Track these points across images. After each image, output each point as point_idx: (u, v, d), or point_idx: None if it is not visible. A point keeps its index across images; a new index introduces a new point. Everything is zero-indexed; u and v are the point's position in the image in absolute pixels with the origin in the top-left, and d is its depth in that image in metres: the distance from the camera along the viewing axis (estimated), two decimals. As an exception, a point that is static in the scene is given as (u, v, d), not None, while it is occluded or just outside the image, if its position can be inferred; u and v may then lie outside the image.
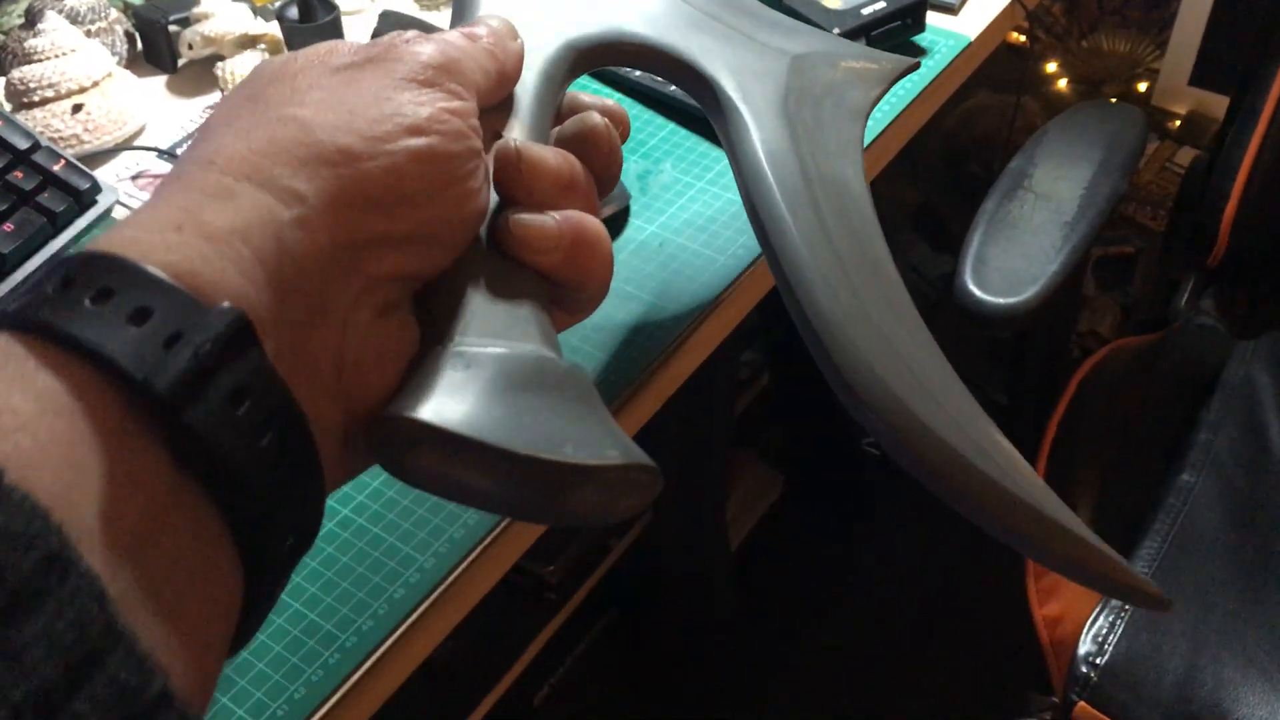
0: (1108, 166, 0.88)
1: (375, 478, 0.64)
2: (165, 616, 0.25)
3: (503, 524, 0.62)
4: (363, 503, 0.63)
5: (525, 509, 0.31)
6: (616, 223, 0.77)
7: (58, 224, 0.71)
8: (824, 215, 0.42)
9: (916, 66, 0.60)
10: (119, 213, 0.78)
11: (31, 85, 0.82)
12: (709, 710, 1.35)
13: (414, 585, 0.59)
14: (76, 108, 0.82)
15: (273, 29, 0.90)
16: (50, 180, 0.71)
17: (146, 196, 0.74)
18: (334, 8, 0.89)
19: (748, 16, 0.51)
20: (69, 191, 0.71)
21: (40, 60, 0.83)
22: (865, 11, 0.85)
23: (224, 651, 0.28)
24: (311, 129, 0.31)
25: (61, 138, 0.81)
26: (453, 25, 0.42)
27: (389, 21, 0.94)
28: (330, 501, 0.63)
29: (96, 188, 0.73)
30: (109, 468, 0.24)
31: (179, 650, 0.25)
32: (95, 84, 0.83)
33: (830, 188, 0.44)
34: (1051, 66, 1.87)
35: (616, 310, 0.72)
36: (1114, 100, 1.79)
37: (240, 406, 0.27)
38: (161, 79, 0.93)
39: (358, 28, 0.96)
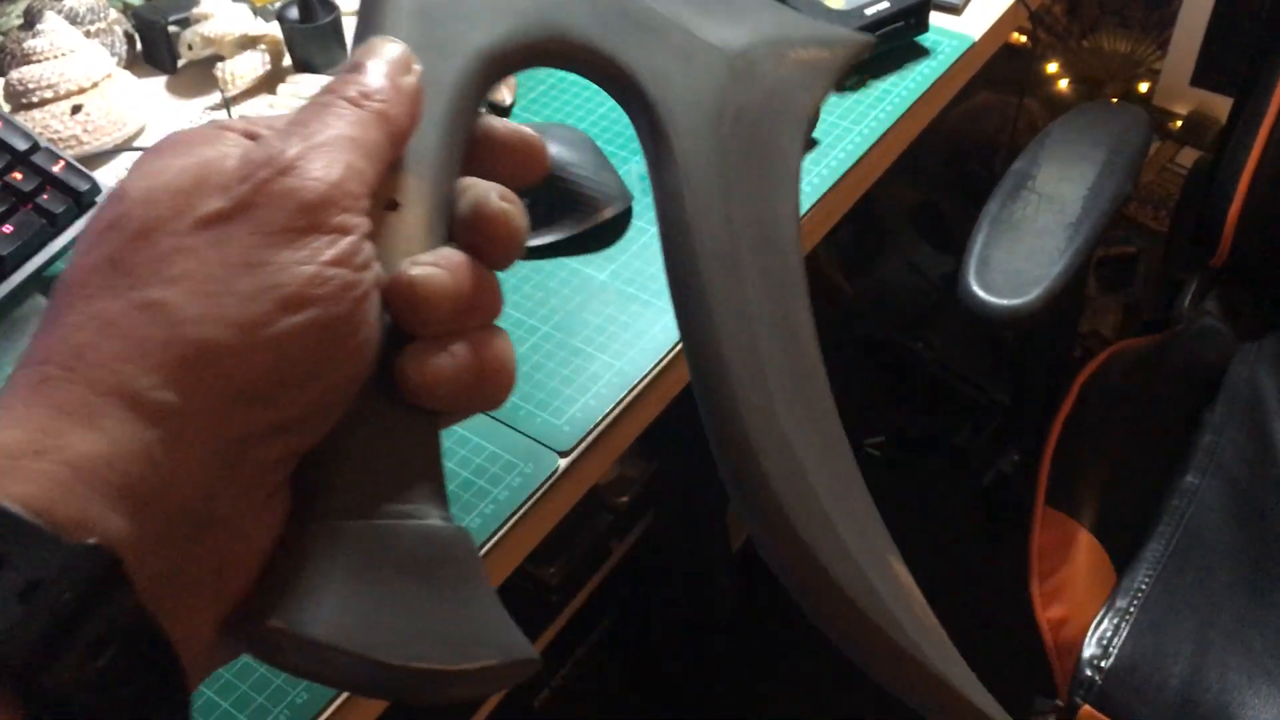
0: (1112, 168, 0.88)
1: (377, 481, 0.63)
2: None
3: (506, 527, 0.61)
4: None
5: (401, 696, 0.29)
6: (618, 224, 0.77)
7: (57, 225, 0.70)
8: (746, 281, 0.37)
9: (870, 46, 0.55)
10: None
11: (31, 86, 0.81)
12: (709, 712, 1.34)
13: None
14: (76, 108, 0.82)
15: (273, 29, 0.89)
16: (50, 181, 0.71)
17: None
18: (334, 8, 0.89)
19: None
20: (68, 193, 0.71)
21: (39, 61, 0.82)
22: (869, 12, 0.85)
23: None
24: (177, 323, 0.27)
25: (61, 139, 0.81)
26: (355, 37, 0.37)
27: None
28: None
29: (96, 189, 0.72)
30: None
31: None
32: (95, 85, 0.83)
33: (758, 238, 0.39)
34: (1052, 67, 1.86)
35: (619, 312, 0.71)
36: (1115, 101, 1.79)
37: (101, 657, 0.25)
38: (161, 80, 0.92)
39: (358, 28, 0.95)
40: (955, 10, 0.92)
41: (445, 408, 0.31)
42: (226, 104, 0.87)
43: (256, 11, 0.91)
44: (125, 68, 0.90)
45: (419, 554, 0.29)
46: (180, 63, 0.92)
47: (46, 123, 0.81)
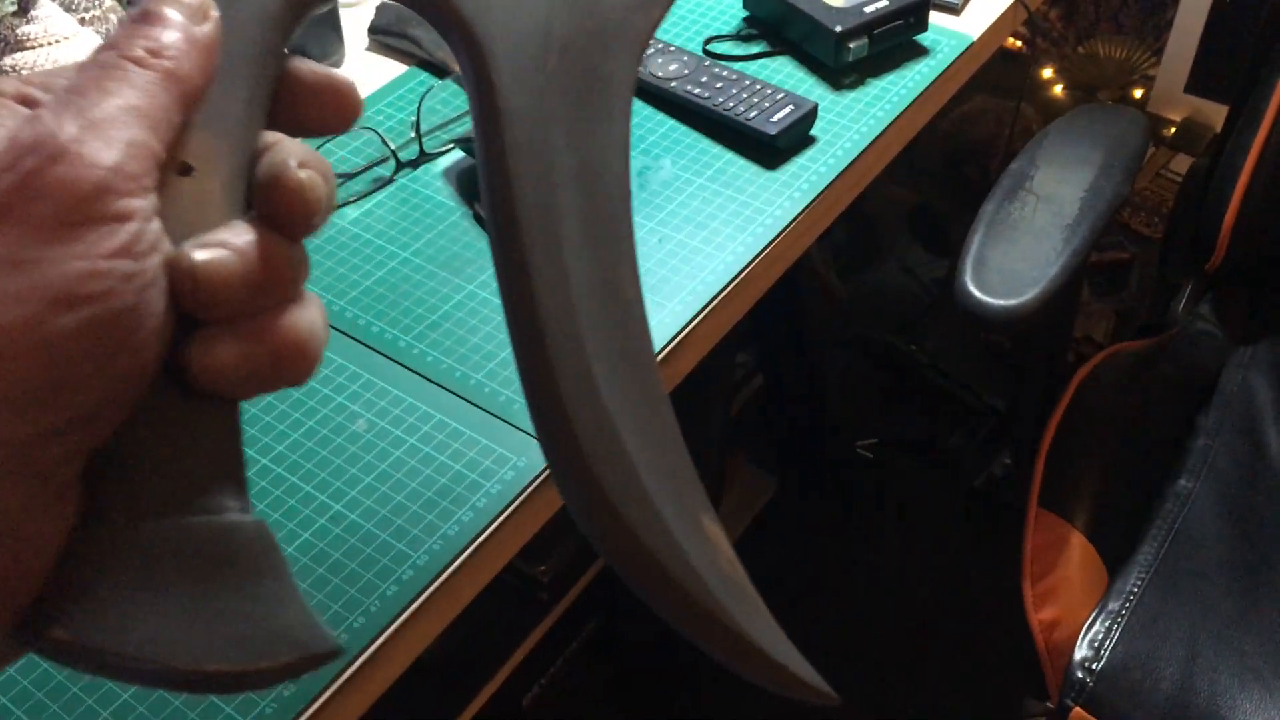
0: (1109, 169, 0.88)
1: (369, 473, 0.63)
2: None
3: (497, 523, 0.61)
4: (355, 498, 0.62)
5: (198, 693, 0.29)
6: (615, 218, 0.77)
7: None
8: (567, 235, 0.35)
9: None
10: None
11: (24, 72, 0.81)
12: (699, 713, 1.34)
13: (408, 582, 0.58)
14: (69, 95, 0.81)
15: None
16: None
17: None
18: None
19: None
20: None
21: (33, 47, 0.81)
22: (868, 10, 0.85)
23: None
24: None
25: (53, 126, 0.80)
26: None
27: (387, 13, 0.93)
28: (322, 497, 0.62)
29: None
30: None
31: None
32: (88, 72, 0.82)
33: (583, 185, 0.36)
34: (1047, 72, 1.87)
35: (615, 306, 0.71)
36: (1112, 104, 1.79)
37: None
38: (156, 68, 0.91)
39: (356, 19, 0.95)
40: (954, 10, 0.91)
41: (240, 394, 0.29)
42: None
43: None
44: (119, 56, 0.89)
45: (212, 551, 0.28)
46: (175, 52, 0.91)
47: (39, 109, 0.80)
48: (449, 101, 0.86)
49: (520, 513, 0.62)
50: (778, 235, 0.75)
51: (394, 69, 0.91)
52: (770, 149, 0.80)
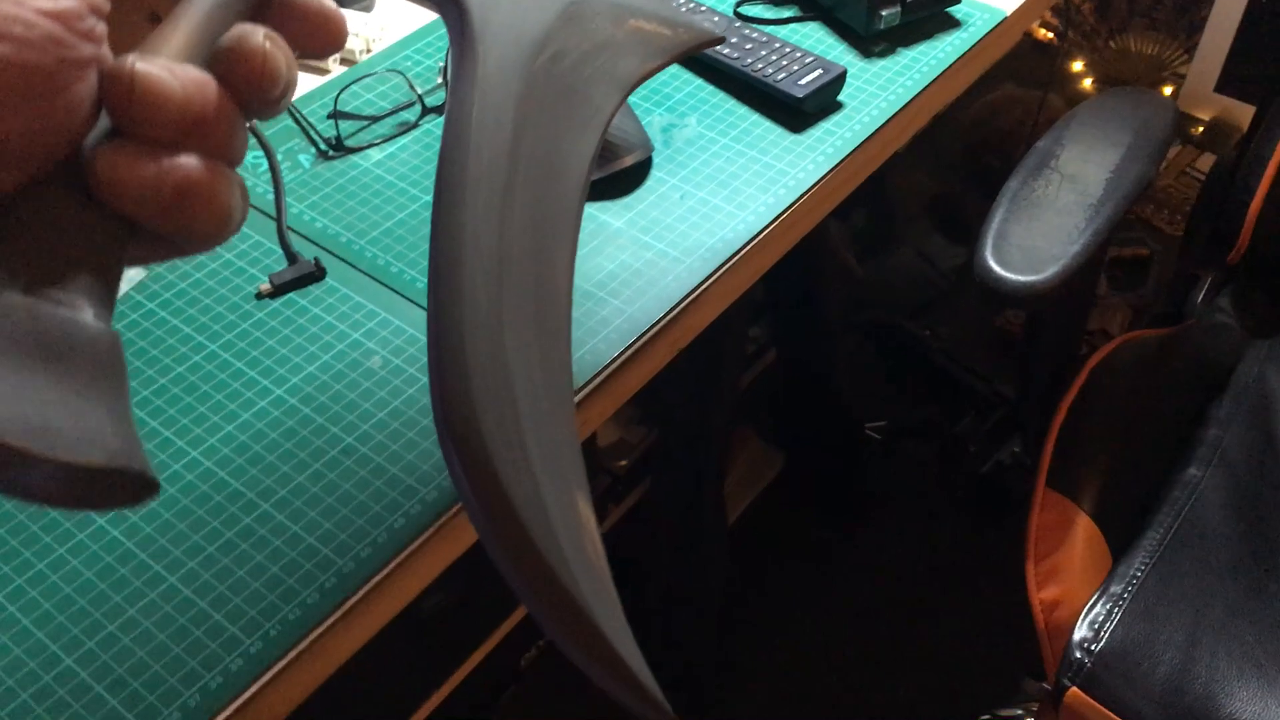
0: (1136, 152, 0.87)
1: (382, 409, 0.63)
2: None
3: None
4: (367, 432, 0.62)
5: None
6: (638, 172, 0.77)
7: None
8: (513, 206, 0.36)
9: (719, 40, 0.55)
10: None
11: None
12: (694, 682, 1.34)
13: (414, 517, 0.59)
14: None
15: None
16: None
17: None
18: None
19: None
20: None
21: None
22: (902, -22, 0.84)
23: None
24: None
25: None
26: None
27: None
28: (335, 429, 0.62)
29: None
30: None
31: None
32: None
33: (540, 174, 0.37)
34: (1078, 65, 1.85)
35: (633, 259, 0.71)
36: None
37: None
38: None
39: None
40: (988, -15, 0.91)
41: (133, 215, 0.29)
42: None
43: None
44: None
45: (51, 339, 0.28)
46: None
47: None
48: (477, 51, 0.86)
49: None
50: (799, 198, 0.75)
51: (425, 15, 0.91)
52: (796, 112, 0.80)
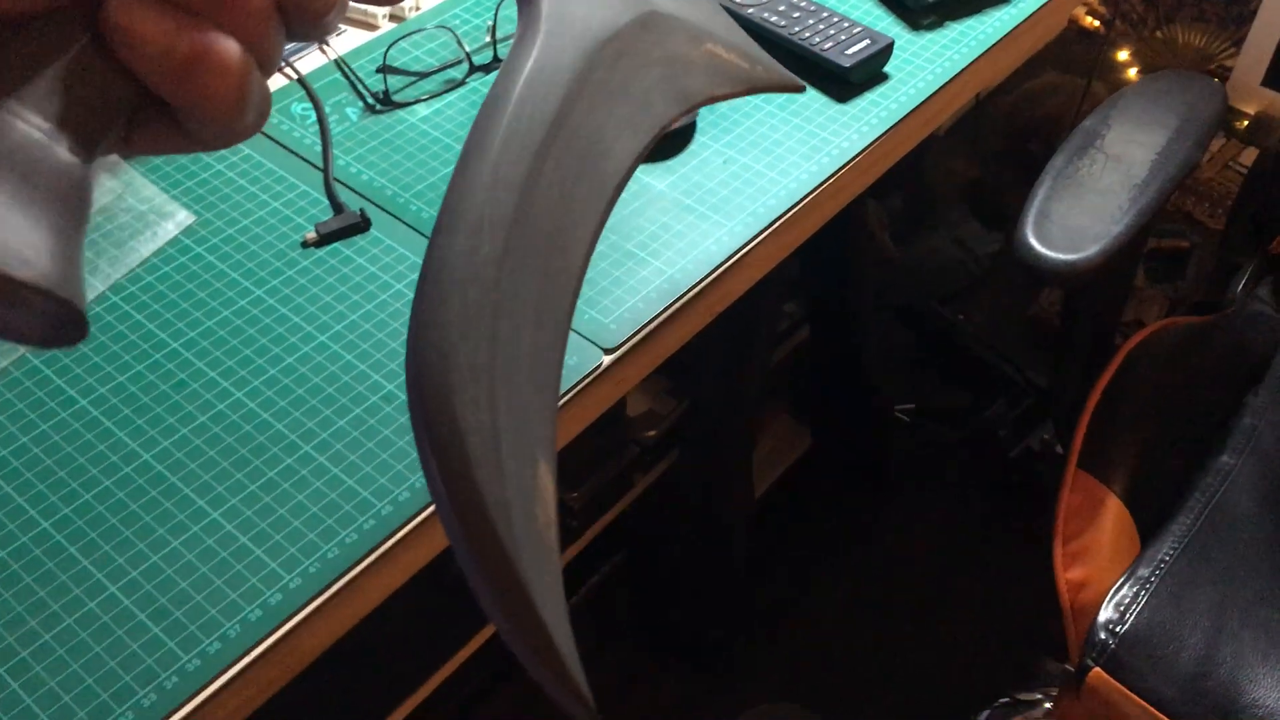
0: (1183, 134, 0.87)
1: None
2: None
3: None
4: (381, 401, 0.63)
5: None
6: (682, 136, 0.77)
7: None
8: (545, 168, 0.35)
9: (799, 88, 0.56)
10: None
11: None
12: (715, 651, 1.35)
13: (453, 463, 0.59)
14: None
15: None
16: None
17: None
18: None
19: None
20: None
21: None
22: (953, -48, 0.84)
23: None
24: None
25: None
26: None
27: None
28: (376, 376, 0.63)
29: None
30: None
31: None
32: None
33: (577, 153, 0.36)
34: (1123, 55, 1.84)
35: (675, 221, 0.71)
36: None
37: None
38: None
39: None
40: (1039, -37, 0.90)
41: (141, 70, 0.28)
42: None
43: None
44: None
45: (12, 155, 0.27)
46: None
47: None
48: (526, 12, 0.86)
49: (566, 412, 0.63)
50: (842, 167, 0.75)
51: (473, -23, 0.91)
52: (842, 81, 0.80)
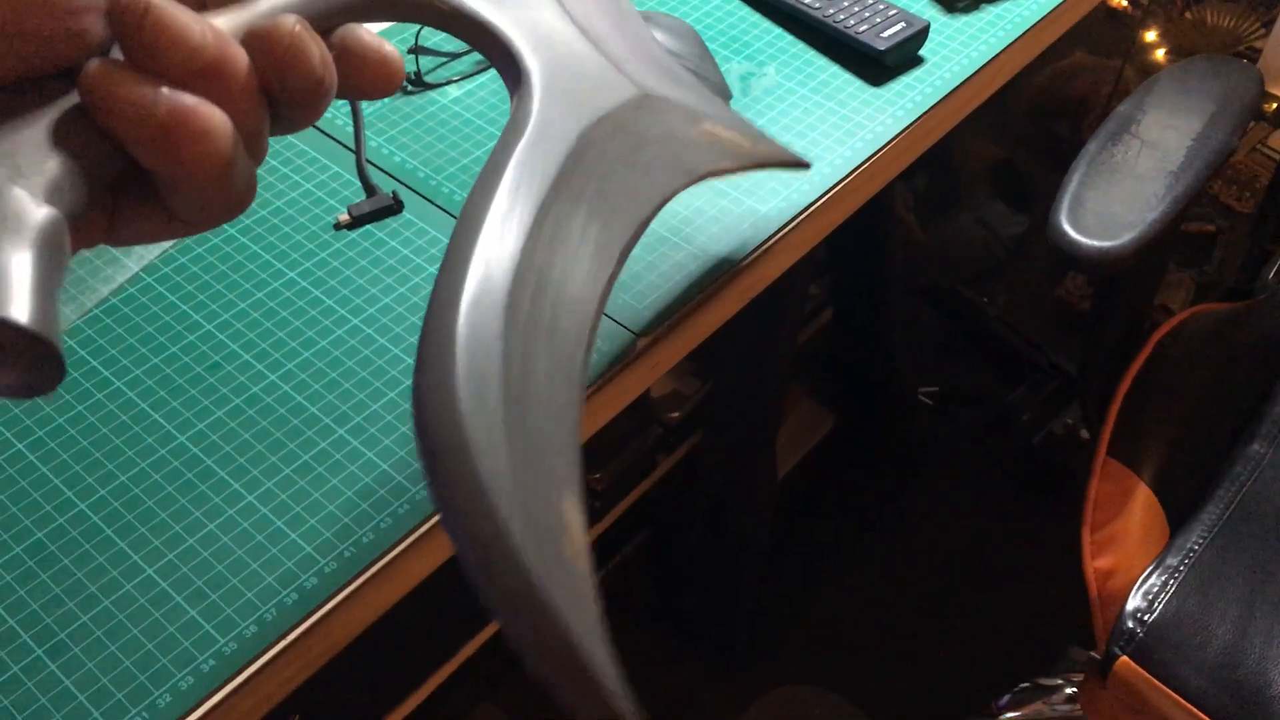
0: (1219, 120, 0.86)
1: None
2: None
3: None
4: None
5: None
6: (716, 120, 0.76)
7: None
8: (543, 230, 0.34)
9: (804, 165, 0.55)
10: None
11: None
12: (733, 634, 1.35)
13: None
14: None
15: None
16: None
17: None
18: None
19: (627, 42, 0.42)
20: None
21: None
22: (990, -66, 0.83)
23: None
24: None
25: None
26: None
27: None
28: (409, 360, 0.63)
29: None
30: None
31: None
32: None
33: (584, 209, 0.36)
34: (1151, 35, 1.82)
35: (708, 205, 0.71)
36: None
37: None
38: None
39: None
40: (1076, -55, 0.89)
41: (120, 134, 0.28)
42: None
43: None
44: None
45: None
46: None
47: None
48: (556, -8, 0.86)
49: (599, 396, 0.63)
50: (877, 152, 0.74)
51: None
52: (877, 65, 0.79)
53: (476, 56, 0.81)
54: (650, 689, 1.30)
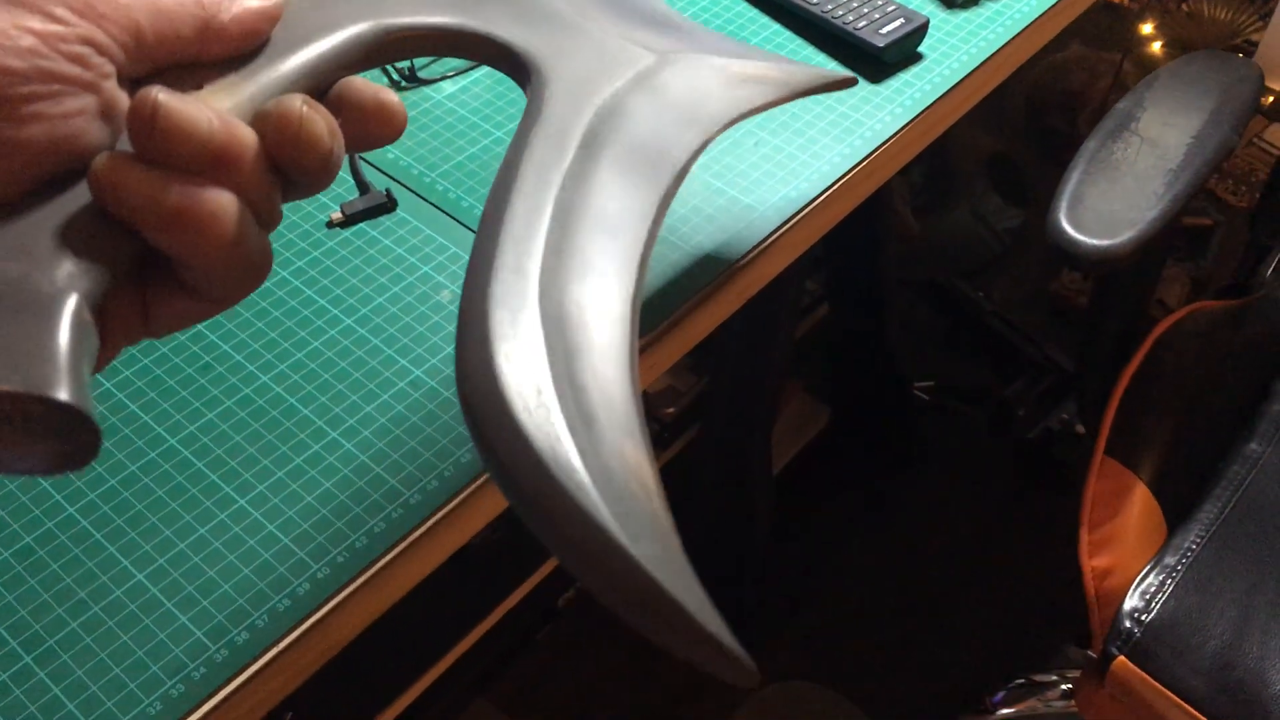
0: (1219, 118, 0.85)
1: (450, 343, 0.63)
2: None
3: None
4: (436, 365, 0.62)
5: None
6: (713, 117, 0.75)
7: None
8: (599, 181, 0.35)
9: (850, 84, 0.53)
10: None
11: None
12: (735, 628, 1.35)
13: (465, 465, 0.59)
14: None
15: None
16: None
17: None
18: None
19: (625, 16, 0.43)
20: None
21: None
22: (990, -72, 0.82)
23: None
24: None
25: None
26: None
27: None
28: (404, 361, 0.62)
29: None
30: None
31: None
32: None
33: (630, 156, 0.36)
34: (1147, 28, 1.81)
35: (705, 204, 0.70)
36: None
37: None
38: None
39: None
40: (1076, -61, 0.88)
41: (131, 222, 0.29)
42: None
43: None
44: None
45: (19, 297, 0.28)
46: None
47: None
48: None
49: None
50: (876, 149, 0.74)
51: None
52: (876, 62, 0.78)
53: (471, 51, 0.80)
54: (647, 684, 1.30)
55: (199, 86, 0.32)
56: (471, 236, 0.69)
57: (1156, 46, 1.79)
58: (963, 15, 0.82)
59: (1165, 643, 0.82)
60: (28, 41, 0.29)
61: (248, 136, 0.30)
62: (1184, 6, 1.80)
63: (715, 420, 1.22)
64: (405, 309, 0.65)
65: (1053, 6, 0.83)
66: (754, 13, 0.83)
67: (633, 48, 0.41)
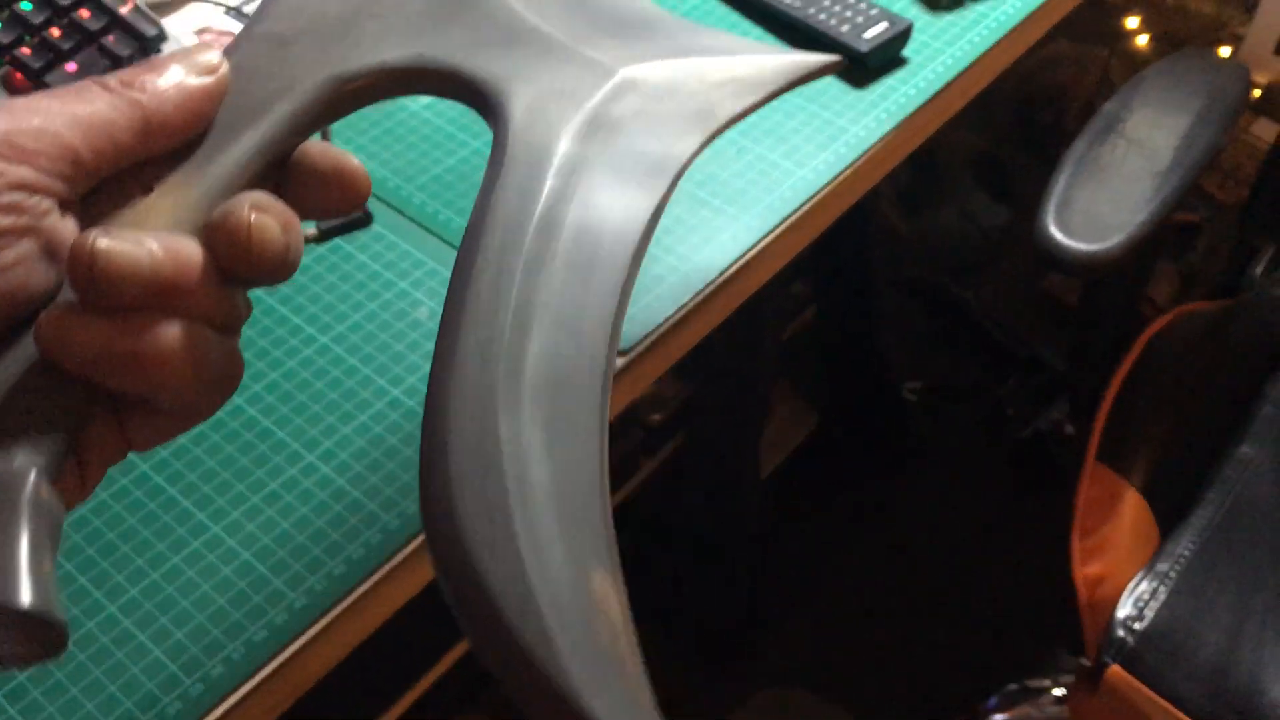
0: (1206, 119, 0.84)
1: (429, 361, 0.62)
2: None
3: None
4: (414, 386, 0.61)
5: None
6: (695, 125, 0.74)
7: (121, 68, 0.68)
8: (537, 278, 0.32)
9: (838, 66, 0.52)
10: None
11: None
12: (725, 634, 1.34)
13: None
14: (145, -46, 0.79)
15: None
16: (116, 23, 0.69)
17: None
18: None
19: (591, 20, 0.40)
20: (135, 36, 0.69)
21: None
22: (973, -71, 0.81)
23: None
24: None
25: (128, -16, 0.78)
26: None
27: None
28: (381, 381, 0.61)
29: (163, 35, 0.70)
30: None
31: None
32: (166, -69, 0.80)
33: (578, 244, 0.34)
34: (1132, 22, 1.81)
35: (689, 215, 0.69)
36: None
37: None
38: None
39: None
40: (1061, -61, 0.87)
41: (86, 375, 0.28)
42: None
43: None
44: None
45: None
46: (253, -80, 0.89)
47: (114, -34, 0.78)
48: None
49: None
50: (861, 155, 0.72)
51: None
52: (860, 66, 0.77)
53: (448, 60, 0.79)
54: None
55: (148, 188, 0.31)
56: (450, 251, 0.67)
57: (1142, 40, 1.78)
58: (947, 18, 0.81)
59: (1159, 650, 0.81)
60: None
61: (194, 257, 0.29)
62: (1170, 0, 1.80)
63: (703, 425, 1.21)
64: (382, 326, 0.64)
65: (1038, 9, 0.82)
66: (735, 16, 0.82)
67: (599, 65, 0.39)
